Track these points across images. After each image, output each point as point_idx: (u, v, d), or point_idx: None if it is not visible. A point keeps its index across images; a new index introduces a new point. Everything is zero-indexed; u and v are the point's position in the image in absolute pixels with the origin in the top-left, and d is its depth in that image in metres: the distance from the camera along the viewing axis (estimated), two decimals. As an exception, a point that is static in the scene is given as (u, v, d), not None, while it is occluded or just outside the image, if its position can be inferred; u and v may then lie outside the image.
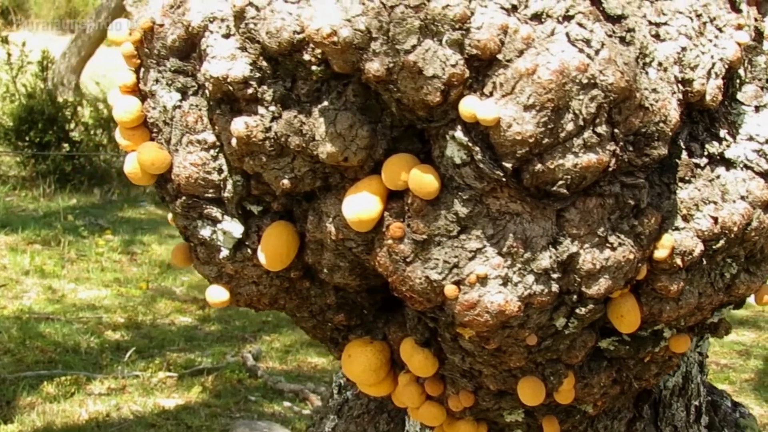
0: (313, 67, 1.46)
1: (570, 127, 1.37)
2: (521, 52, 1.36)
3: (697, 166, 1.54)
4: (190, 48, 1.62)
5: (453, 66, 1.36)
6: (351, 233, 1.54)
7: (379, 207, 1.49)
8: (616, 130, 1.40)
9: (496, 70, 1.37)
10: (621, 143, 1.41)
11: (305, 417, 5.48)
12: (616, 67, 1.36)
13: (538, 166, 1.39)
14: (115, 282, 7.64)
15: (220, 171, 1.63)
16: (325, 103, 1.48)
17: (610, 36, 1.39)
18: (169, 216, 1.83)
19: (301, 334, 6.52)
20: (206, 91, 1.58)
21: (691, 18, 1.49)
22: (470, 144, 1.39)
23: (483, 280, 1.45)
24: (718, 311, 1.68)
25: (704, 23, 1.50)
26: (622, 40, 1.40)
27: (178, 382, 5.84)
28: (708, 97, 1.50)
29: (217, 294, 1.71)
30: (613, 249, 1.46)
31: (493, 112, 1.35)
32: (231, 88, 1.50)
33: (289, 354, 6.37)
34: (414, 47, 1.36)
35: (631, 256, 1.48)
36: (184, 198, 1.65)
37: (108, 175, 10.62)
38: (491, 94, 1.37)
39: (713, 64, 1.50)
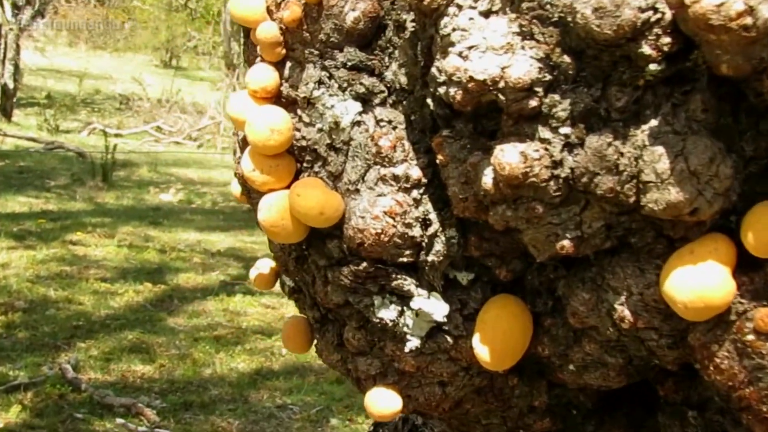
0: (651, 66, 0.83)
1: None
2: None
3: None
4: (374, 33, 0.94)
5: None
6: (656, 320, 0.92)
7: (733, 284, 0.87)
8: None
9: None
10: None
11: (143, 435, 4.66)
12: None
13: None
14: None
15: (424, 223, 0.96)
16: (654, 123, 0.85)
17: None
18: (254, 273, 1.14)
19: (119, 339, 5.66)
20: (427, 100, 0.91)
21: None
22: None
23: None
24: None
25: None
26: None
27: (-8, 400, 4.86)
28: None
29: (389, 402, 1.04)
30: None
31: None
32: (502, 97, 0.84)
33: (111, 362, 5.47)
34: None
35: None
36: (364, 264, 0.97)
37: None
38: None
39: None
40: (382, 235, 0.96)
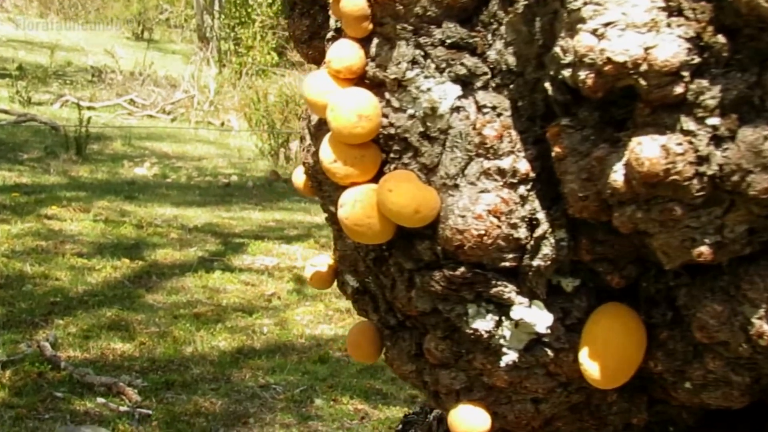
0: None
1: None
2: None
3: None
4: (476, 6, 0.81)
5: None
6: (799, 336, 0.80)
7: None
8: None
9: None
10: None
11: (125, 415, 4.49)
12: None
13: None
14: None
15: (530, 223, 0.83)
16: (815, 113, 0.72)
17: None
18: (311, 270, 1.01)
19: (98, 316, 5.49)
20: (544, 84, 0.78)
21: None
22: None
23: None
24: None
25: None
26: None
27: (-30, 379, 4.69)
28: None
29: (479, 420, 0.91)
30: None
31: None
32: (643, 82, 0.71)
33: (90, 340, 5.28)
34: None
35: None
36: (461, 269, 0.84)
37: None
38: None
39: None
40: (485, 237, 0.83)
